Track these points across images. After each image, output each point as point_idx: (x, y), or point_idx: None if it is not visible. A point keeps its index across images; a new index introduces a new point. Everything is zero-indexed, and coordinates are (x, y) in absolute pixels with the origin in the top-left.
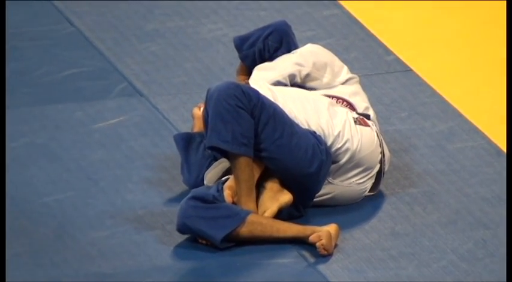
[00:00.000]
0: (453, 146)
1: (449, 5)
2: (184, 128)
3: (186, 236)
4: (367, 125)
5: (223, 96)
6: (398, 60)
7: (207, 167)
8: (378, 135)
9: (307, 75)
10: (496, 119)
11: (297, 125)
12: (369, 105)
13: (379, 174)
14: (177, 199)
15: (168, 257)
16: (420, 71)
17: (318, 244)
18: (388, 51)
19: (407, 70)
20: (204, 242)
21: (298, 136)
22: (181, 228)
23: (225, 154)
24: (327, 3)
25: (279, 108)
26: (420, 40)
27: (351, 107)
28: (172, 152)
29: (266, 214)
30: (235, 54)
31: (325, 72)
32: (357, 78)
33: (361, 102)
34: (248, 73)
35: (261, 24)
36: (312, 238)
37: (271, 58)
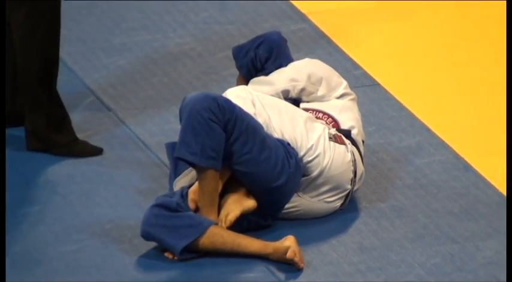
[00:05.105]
0: (421, 160)
1: (416, 19)
2: (152, 142)
3: (153, 250)
4: (342, 143)
5: (197, 109)
6: (365, 75)
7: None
8: (353, 154)
9: (302, 89)
10: (463, 133)
11: (269, 137)
12: (355, 125)
13: (349, 193)
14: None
15: (135, 271)
16: (388, 86)
17: (295, 260)
18: (355, 66)
19: (375, 84)
20: (170, 256)
21: (269, 150)
22: (145, 235)
23: (192, 165)
24: (294, 17)
25: (253, 121)
26: (387, 54)
27: (335, 123)
28: (140, 166)
29: (229, 217)
30: (203, 68)
31: (320, 86)
32: (353, 96)
33: (348, 121)
34: (246, 83)
35: (228, 39)
36: (289, 255)
37: (263, 68)
